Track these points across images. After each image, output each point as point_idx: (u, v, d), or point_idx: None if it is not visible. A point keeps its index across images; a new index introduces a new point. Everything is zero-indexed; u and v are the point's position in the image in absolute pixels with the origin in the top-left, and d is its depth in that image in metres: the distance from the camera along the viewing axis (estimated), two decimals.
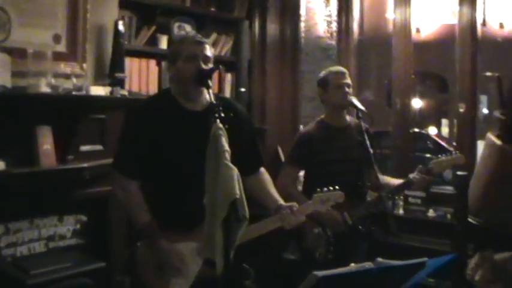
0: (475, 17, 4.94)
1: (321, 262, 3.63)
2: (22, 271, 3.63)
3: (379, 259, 2.44)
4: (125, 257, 4.14)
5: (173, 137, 2.84)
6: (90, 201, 4.18)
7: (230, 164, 2.34)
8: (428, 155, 10.71)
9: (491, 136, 3.51)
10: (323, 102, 3.91)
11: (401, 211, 5.11)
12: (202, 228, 2.70)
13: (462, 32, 4.98)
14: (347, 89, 3.74)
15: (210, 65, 2.90)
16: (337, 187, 3.08)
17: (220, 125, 2.42)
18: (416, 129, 13.31)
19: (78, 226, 4.26)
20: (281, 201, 2.99)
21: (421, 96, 15.55)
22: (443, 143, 11.75)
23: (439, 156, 3.72)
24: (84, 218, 4.29)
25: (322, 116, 3.93)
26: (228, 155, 2.37)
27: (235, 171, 2.34)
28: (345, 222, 3.63)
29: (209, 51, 2.92)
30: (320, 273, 2.30)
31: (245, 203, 2.40)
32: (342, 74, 3.82)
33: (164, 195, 2.88)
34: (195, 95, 2.90)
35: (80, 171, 4.00)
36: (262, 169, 3.16)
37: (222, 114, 2.48)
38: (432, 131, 14.55)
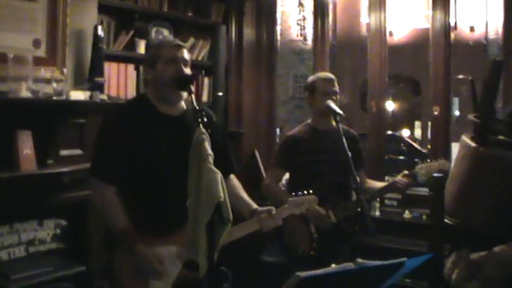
0: (448, 21, 5.04)
1: (304, 258, 3.68)
2: (2, 276, 3.62)
3: (359, 260, 2.50)
4: (103, 262, 4.17)
5: (150, 142, 2.84)
6: (70, 205, 4.18)
7: (213, 168, 2.38)
8: (401, 157, 10.84)
9: (465, 138, 3.57)
10: (310, 106, 3.98)
11: (377, 213, 5.19)
12: (181, 231, 2.75)
13: (435, 36, 5.07)
14: (334, 97, 3.80)
15: (189, 69, 2.93)
16: (311, 191, 3.15)
17: (203, 130, 2.46)
18: (389, 132, 13.47)
19: (58, 230, 4.25)
20: (254, 205, 3.05)
21: (394, 99, 15.71)
22: (416, 145, 11.89)
23: (427, 160, 3.84)
24: (64, 222, 4.29)
25: (309, 120, 3.99)
26: (211, 159, 2.40)
27: (218, 174, 2.38)
28: (329, 219, 3.69)
29: (187, 55, 2.95)
30: (303, 273, 2.36)
31: (229, 206, 2.45)
32: (330, 81, 3.88)
33: (141, 199, 2.87)
34: (174, 99, 2.90)
35: (59, 176, 4.00)
36: (232, 175, 3.20)
37: (205, 119, 2.53)
38: (405, 133, 14.69)
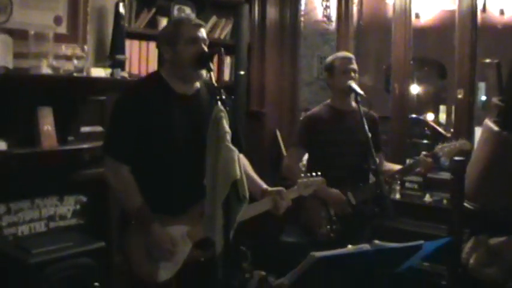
0: (476, 3, 4.94)
1: (323, 241, 3.67)
2: (24, 250, 3.65)
3: (376, 241, 2.49)
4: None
5: (164, 120, 2.84)
6: (90, 182, 4.19)
7: (231, 146, 2.39)
8: (425, 141, 10.76)
9: (488, 122, 3.54)
10: (329, 87, 3.96)
11: (397, 195, 5.15)
12: (193, 211, 2.77)
13: (462, 18, 4.98)
14: (353, 75, 3.78)
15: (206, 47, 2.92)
16: (319, 173, 3.18)
17: (222, 108, 2.45)
18: (413, 115, 13.35)
19: (78, 206, 4.29)
20: (265, 185, 3.07)
21: (419, 83, 15.55)
22: (440, 130, 11.78)
23: (448, 141, 3.80)
24: (84, 198, 4.32)
25: (328, 101, 3.97)
26: (229, 137, 2.42)
27: (236, 152, 2.39)
28: (348, 201, 3.67)
29: (205, 34, 2.94)
30: (318, 253, 2.36)
31: (245, 184, 2.45)
32: (349, 59, 3.86)
33: (155, 178, 2.88)
34: (193, 78, 2.90)
35: (80, 152, 4.04)
36: (241, 155, 3.18)
37: (223, 97, 2.52)
38: (430, 117, 14.56)
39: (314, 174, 3.18)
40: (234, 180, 2.34)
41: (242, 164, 3.11)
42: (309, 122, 3.93)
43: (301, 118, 4.20)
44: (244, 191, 2.43)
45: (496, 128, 3.41)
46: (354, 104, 3.78)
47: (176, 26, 2.95)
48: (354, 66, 3.82)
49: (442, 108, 14.15)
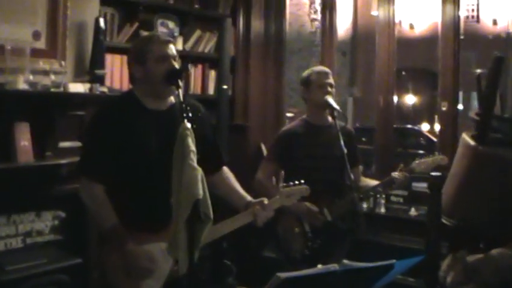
0: (458, 15, 4.93)
1: (297, 258, 3.66)
2: None
3: (345, 261, 2.45)
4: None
5: (138, 138, 2.82)
6: (69, 197, 4.13)
7: (194, 164, 2.36)
8: (421, 151, 10.74)
9: (465, 136, 3.50)
10: (305, 101, 3.94)
11: (382, 209, 5.12)
12: (170, 229, 2.73)
13: (445, 30, 4.97)
14: (329, 89, 3.77)
15: (177, 63, 2.91)
16: (302, 181, 3.10)
17: (188, 125, 2.43)
18: (409, 126, 13.36)
19: (56, 222, 4.25)
20: (249, 198, 3.03)
21: (415, 93, 15.55)
22: (435, 139, 11.76)
23: (425, 156, 3.86)
24: (62, 214, 4.28)
25: (304, 116, 3.95)
26: (193, 156, 2.38)
27: (199, 171, 2.36)
28: (323, 217, 3.64)
29: (175, 50, 2.93)
30: (284, 274, 2.32)
31: (209, 203, 2.42)
32: (325, 73, 3.85)
33: (130, 196, 2.86)
34: (165, 95, 2.89)
35: (57, 168, 4.01)
36: (225, 167, 3.18)
37: (190, 114, 2.50)
38: (425, 127, 14.55)
39: (297, 182, 3.09)
40: (196, 199, 2.31)
41: (227, 176, 3.14)
42: (284, 137, 3.91)
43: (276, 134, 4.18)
44: (207, 210, 2.40)
45: (472, 143, 3.38)
46: (330, 118, 3.76)
47: (145, 44, 2.93)
48: (331, 80, 3.80)
49: (437, 118, 14.14)
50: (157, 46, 2.87)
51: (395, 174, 3.71)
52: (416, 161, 3.77)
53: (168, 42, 2.91)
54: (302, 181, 3.09)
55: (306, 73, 3.92)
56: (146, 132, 2.83)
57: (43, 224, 4.18)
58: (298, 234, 3.68)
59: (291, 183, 3.10)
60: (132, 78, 3.03)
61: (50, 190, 4.08)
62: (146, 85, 2.89)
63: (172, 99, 2.94)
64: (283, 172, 3.99)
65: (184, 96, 2.64)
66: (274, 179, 4.06)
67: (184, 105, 2.51)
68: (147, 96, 2.89)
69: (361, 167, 4.06)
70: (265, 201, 2.96)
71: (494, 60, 3.32)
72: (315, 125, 3.85)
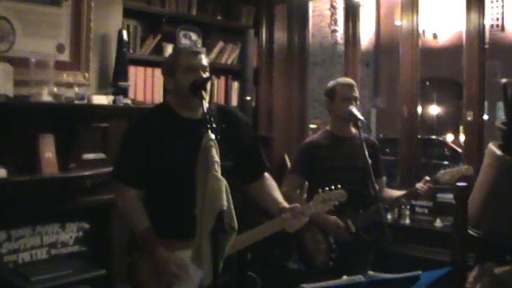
0: (483, 24, 4.87)
1: (322, 270, 3.62)
2: (23, 278, 3.66)
3: (371, 272, 2.42)
4: (126, 264, 4.18)
5: (172, 146, 2.84)
6: (93, 209, 4.20)
7: (219, 175, 2.35)
8: (445, 162, 10.65)
9: (492, 146, 3.46)
10: (329, 112, 3.91)
11: (407, 221, 5.05)
12: None
13: (469, 39, 4.91)
14: (354, 103, 3.73)
15: (207, 73, 2.91)
16: (339, 186, 3.01)
17: (212, 136, 2.43)
18: (433, 136, 13.27)
19: (80, 233, 4.27)
20: (284, 204, 2.97)
21: (439, 103, 15.45)
22: (459, 150, 11.67)
23: (450, 166, 3.78)
24: (86, 225, 4.31)
25: (328, 127, 3.93)
26: (217, 167, 2.38)
27: (223, 182, 2.35)
28: (348, 229, 3.61)
29: (206, 61, 2.93)
30: (308, 285, 2.30)
31: (233, 214, 2.41)
32: (350, 86, 3.81)
33: (163, 203, 2.87)
34: (194, 105, 2.88)
35: (81, 180, 4.01)
36: (267, 174, 3.12)
37: (214, 125, 2.49)
38: (449, 137, 14.45)
39: (333, 187, 3.00)
40: (220, 210, 2.30)
41: (268, 184, 3.09)
42: (308, 149, 3.89)
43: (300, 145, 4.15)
44: (232, 221, 2.39)
45: (499, 153, 3.33)
46: (353, 130, 3.74)
47: (174, 57, 3.00)
48: (356, 93, 3.78)
49: (462, 128, 14.02)
50: (185, 57, 2.90)
51: (419, 185, 3.67)
52: (441, 172, 3.72)
53: (197, 53, 2.92)
54: (339, 186, 3.01)
55: (330, 84, 3.89)
56: (180, 141, 2.85)
57: (67, 235, 4.21)
58: (322, 246, 3.65)
59: (327, 188, 3.00)
60: (165, 90, 3.07)
61: (74, 202, 4.09)
62: (177, 96, 2.93)
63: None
64: (307, 183, 3.97)
65: (216, 105, 2.65)
66: (299, 191, 4.02)
67: (208, 116, 2.51)
68: (180, 106, 2.93)
69: (385, 178, 4.01)
70: (298, 207, 2.90)
71: None
72: (339, 137, 3.83)
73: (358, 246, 3.67)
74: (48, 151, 3.90)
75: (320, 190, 3.00)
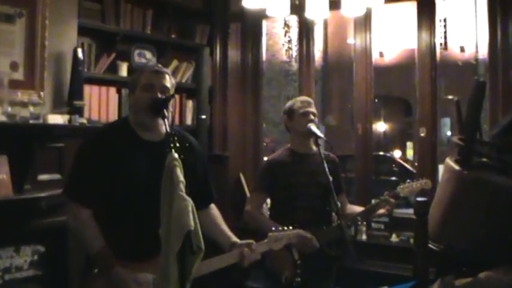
0: (434, 42, 5.00)
1: (288, 286, 3.61)
2: None
3: None
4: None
5: (127, 166, 2.79)
6: (48, 231, 4.09)
7: (185, 195, 2.32)
8: (393, 178, 10.80)
9: (449, 161, 3.51)
10: (288, 130, 3.96)
11: (364, 236, 5.11)
12: (158, 259, 2.67)
13: (421, 57, 5.03)
14: (312, 117, 3.79)
15: (168, 94, 2.88)
16: (291, 227, 3.07)
17: (176, 156, 2.40)
18: (381, 153, 13.46)
19: (35, 257, 4.15)
20: (234, 238, 2.99)
21: (386, 120, 15.72)
22: (408, 166, 11.86)
23: (408, 181, 3.85)
24: (41, 248, 4.19)
25: (289, 145, 3.96)
26: (182, 186, 2.35)
27: (189, 202, 2.32)
28: (315, 244, 3.61)
29: (168, 82, 2.89)
30: None
31: (200, 235, 2.38)
32: (308, 102, 3.89)
33: (118, 224, 2.80)
34: (150, 125, 2.85)
35: (37, 201, 3.92)
36: (212, 205, 3.14)
37: (178, 145, 2.47)
38: (397, 154, 14.68)
39: (286, 228, 3.06)
40: (188, 231, 2.27)
41: (214, 214, 3.10)
42: (270, 166, 3.91)
43: (261, 164, 4.19)
44: (199, 242, 2.36)
45: (456, 167, 3.38)
46: (314, 147, 3.78)
47: (138, 72, 2.97)
48: (313, 109, 3.85)
49: (409, 144, 14.31)
50: (146, 75, 2.87)
51: (381, 199, 3.73)
52: (401, 186, 3.81)
53: (158, 72, 2.89)
54: (290, 227, 3.06)
55: (289, 103, 3.98)
56: (136, 161, 2.80)
57: (22, 259, 4.07)
58: (287, 263, 3.64)
59: (280, 228, 3.06)
60: (129, 107, 3.05)
61: (29, 224, 3.98)
62: (136, 115, 2.89)
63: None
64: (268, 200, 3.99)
65: (171, 126, 2.61)
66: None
67: (171, 136, 2.48)
68: (139, 126, 2.88)
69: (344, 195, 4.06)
70: (253, 244, 2.92)
71: (478, 86, 3.35)
72: (300, 153, 3.87)
73: (321, 262, 3.68)
74: (2, 172, 3.80)
75: (273, 229, 3.07)
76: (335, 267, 3.85)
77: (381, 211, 3.80)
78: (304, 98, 4.06)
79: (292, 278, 3.64)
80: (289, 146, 3.94)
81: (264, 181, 3.88)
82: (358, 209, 3.90)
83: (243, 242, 2.94)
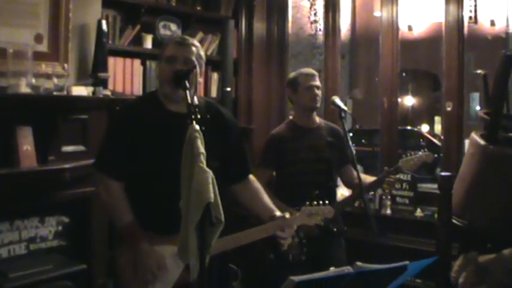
0: (462, 15, 4.90)
1: (295, 264, 3.63)
2: (1, 274, 3.57)
3: (359, 263, 2.40)
4: (107, 259, 4.11)
5: (156, 139, 2.80)
6: (72, 202, 4.13)
7: (205, 167, 2.30)
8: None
9: (474, 136, 3.46)
10: (292, 103, 3.94)
11: (388, 211, 5.07)
12: None
13: (448, 31, 4.94)
14: (316, 91, 3.78)
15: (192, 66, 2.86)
16: (327, 201, 3.01)
17: (196, 127, 2.38)
18: (408, 127, 13.35)
19: (60, 228, 4.19)
20: (275, 212, 2.94)
21: (414, 94, 15.55)
22: (435, 141, 11.76)
23: (408, 154, 3.82)
24: (66, 219, 4.23)
25: (291, 117, 3.93)
26: (203, 158, 2.32)
27: (209, 174, 2.30)
28: (317, 229, 3.54)
29: (192, 53, 2.86)
30: (297, 278, 2.27)
31: (220, 207, 2.36)
32: (312, 76, 3.84)
33: (146, 197, 2.83)
34: (174, 96, 2.83)
35: (61, 172, 3.93)
36: (252, 177, 3.09)
37: (199, 116, 2.45)
38: (425, 128, 14.55)
39: (321, 202, 2.99)
40: (207, 203, 2.26)
41: (254, 187, 3.06)
42: (273, 141, 3.91)
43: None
44: (219, 214, 2.35)
45: (482, 142, 3.33)
46: (318, 120, 3.80)
47: (164, 45, 2.99)
48: (317, 83, 3.82)
49: (437, 119, 14.16)
50: (170, 47, 2.88)
51: (384, 174, 3.73)
52: (403, 160, 3.76)
53: (181, 44, 2.87)
54: (326, 202, 3.00)
55: (292, 75, 3.94)
56: (165, 134, 2.81)
57: (46, 229, 4.12)
58: (294, 241, 3.62)
59: (315, 202, 2.99)
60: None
61: (53, 195, 4.02)
62: (162, 86, 2.90)
63: (195, 101, 2.90)
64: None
65: (202, 99, 2.61)
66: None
67: (192, 107, 2.46)
68: (166, 98, 2.88)
69: (361, 168, 4.02)
70: (287, 215, 2.89)
71: (504, 59, 3.28)
72: (302, 127, 3.86)
73: (327, 239, 3.70)
74: (26, 143, 3.82)
75: (308, 203, 2.99)
76: (341, 240, 3.87)
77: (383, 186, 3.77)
78: (308, 70, 3.96)
79: (299, 257, 3.65)
80: (292, 119, 3.92)
81: (268, 156, 3.89)
82: (368, 178, 3.84)
83: (279, 215, 2.90)
